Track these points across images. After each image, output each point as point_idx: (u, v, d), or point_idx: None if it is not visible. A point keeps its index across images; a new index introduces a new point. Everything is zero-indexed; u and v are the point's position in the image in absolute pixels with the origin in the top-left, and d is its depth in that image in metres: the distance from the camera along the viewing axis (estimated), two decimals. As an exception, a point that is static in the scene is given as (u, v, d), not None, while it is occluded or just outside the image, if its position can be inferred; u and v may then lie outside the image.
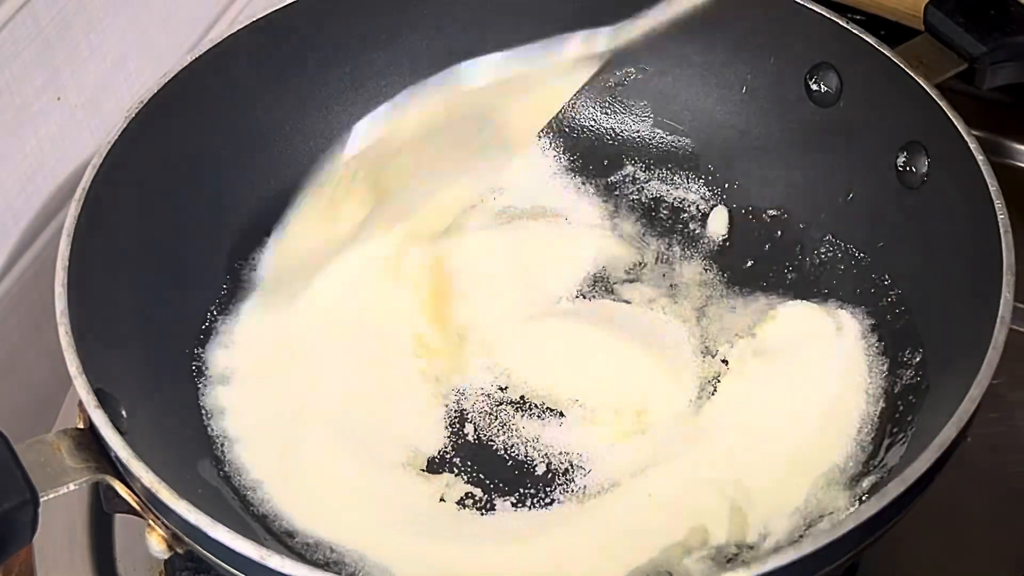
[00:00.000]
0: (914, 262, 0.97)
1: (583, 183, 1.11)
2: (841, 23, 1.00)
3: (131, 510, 0.80)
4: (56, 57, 0.97)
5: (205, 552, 0.76)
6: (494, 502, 0.91)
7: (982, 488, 0.96)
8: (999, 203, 0.87)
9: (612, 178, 1.11)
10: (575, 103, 1.12)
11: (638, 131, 1.11)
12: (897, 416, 0.91)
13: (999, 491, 0.97)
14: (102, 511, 0.89)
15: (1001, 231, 0.85)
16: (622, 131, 1.12)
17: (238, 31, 1.01)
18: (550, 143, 1.12)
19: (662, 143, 1.11)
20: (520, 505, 0.91)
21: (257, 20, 1.02)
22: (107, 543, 0.95)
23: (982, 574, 0.94)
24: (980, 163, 0.89)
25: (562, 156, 1.12)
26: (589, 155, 1.12)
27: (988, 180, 0.88)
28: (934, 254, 0.95)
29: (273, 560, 0.72)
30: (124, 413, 0.84)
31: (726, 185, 1.09)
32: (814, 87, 1.03)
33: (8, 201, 0.97)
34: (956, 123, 0.92)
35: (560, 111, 1.12)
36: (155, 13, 1.05)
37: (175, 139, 0.98)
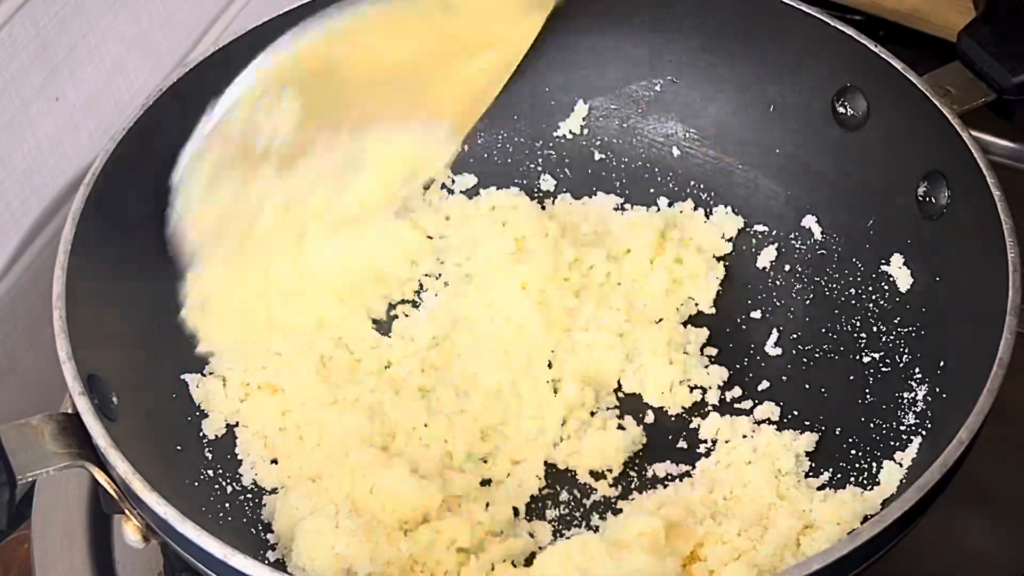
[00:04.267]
0: (928, 292, 0.96)
1: (605, 194, 1.10)
2: (870, 46, 0.98)
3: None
4: (55, 58, 0.97)
5: (175, 545, 0.77)
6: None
7: (982, 489, 0.94)
8: (1011, 240, 0.85)
9: (634, 190, 1.10)
10: (602, 114, 1.11)
11: (663, 144, 1.10)
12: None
13: (999, 492, 0.96)
14: (101, 512, 0.91)
15: (1010, 271, 0.84)
16: (648, 144, 1.11)
17: (266, 22, 1.00)
18: (574, 149, 1.11)
19: (687, 157, 1.10)
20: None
21: (286, 12, 1.01)
22: (106, 544, 0.96)
23: (982, 574, 0.94)
24: (997, 200, 0.87)
25: (583, 167, 1.11)
26: (613, 166, 1.11)
27: (1003, 217, 0.87)
28: (945, 284, 0.94)
29: (236, 560, 0.72)
30: (115, 400, 0.84)
31: (748, 201, 1.07)
32: (841, 110, 1.01)
33: (7, 201, 0.98)
34: (977, 156, 0.90)
35: (584, 121, 1.11)
36: (153, 14, 1.05)
37: (190, 128, 0.97)
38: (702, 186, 1.09)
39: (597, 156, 1.11)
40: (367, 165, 0.97)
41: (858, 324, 0.99)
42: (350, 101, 0.94)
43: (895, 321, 0.97)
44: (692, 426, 0.97)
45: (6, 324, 1.02)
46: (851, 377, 0.96)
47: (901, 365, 0.94)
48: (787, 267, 1.04)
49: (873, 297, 0.99)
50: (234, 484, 0.91)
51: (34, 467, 0.78)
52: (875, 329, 0.98)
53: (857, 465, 0.91)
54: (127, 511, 0.79)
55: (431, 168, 1.04)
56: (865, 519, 0.85)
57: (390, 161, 0.98)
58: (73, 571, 0.94)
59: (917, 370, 0.93)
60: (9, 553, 0.97)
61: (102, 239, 0.89)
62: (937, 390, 0.90)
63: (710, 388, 0.98)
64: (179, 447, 0.90)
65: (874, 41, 0.98)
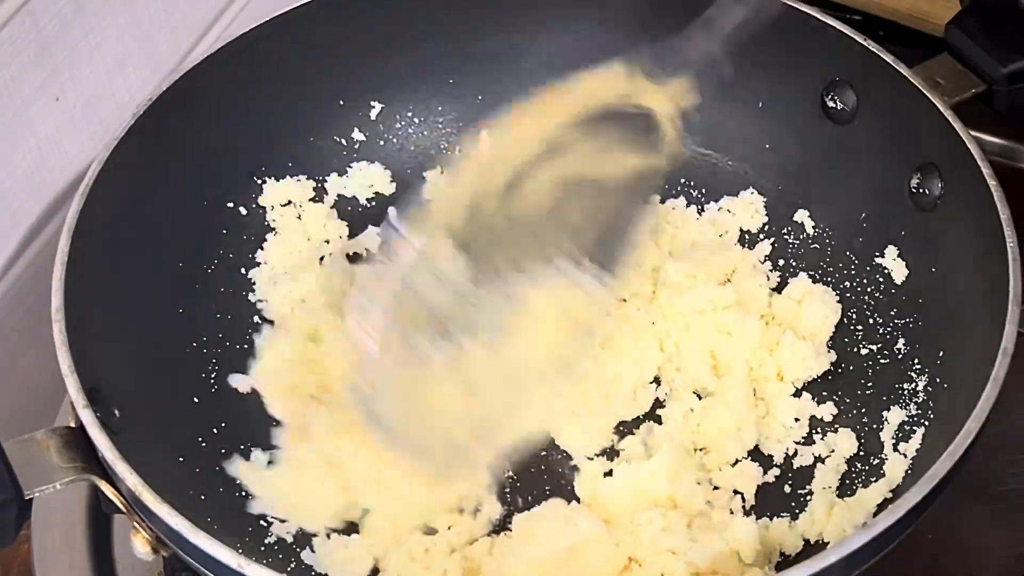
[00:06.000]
0: (924, 283, 0.96)
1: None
2: (859, 40, 0.98)
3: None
4: (55, 57, 0.97)
5: (186, 557, 0.76)
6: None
7: (982, 488, 0.95)
8: (1009, 231, 0.86)
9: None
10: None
11: (653, 142, 1.10)
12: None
13: (999, 491, 0.97)
14: (101, 512, 0.89)
15: (1010, 260, 0.84)
16: (636, 141, 1.11)
17: (254, 29, 1.00)
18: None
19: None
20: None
21: (272, 19, 1.01)
22: (106, 544, 0.95)
23: (982, 574, 0.94)
24: (992, 189, 0.88)
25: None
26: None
27: (1000, 207, 0.87)
28: (944, 277, 0.94)
29: (251, 569, 0.71)
30: (117, 413, 0.83)
31: (740, 197, 1.08)
32: (831, 104, 1.02)
33: (7, 201, 0.97)
34: (970, 147, 0.90)
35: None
36: (154, 14, 1.05)
37: (181, 137, 0.97)
38: (693, 183, 1.09)
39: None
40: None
41: (854, 316, 0.99)
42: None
43: (892, 313, 0.97)
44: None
45: (6, 324, 1.01)
46: (849, 369, 0.97)
47: (900, 357, 0.95)
48: (781, 262, 1.04)
49: (868, 290, 0.99)
50: (240, 494, 0.91)
51: (41, 482, 0.77)
52: (871, 321, 0.98)
53: (860, 456, 0.92)
54: (136, 524, 0.79)
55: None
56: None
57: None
58: (73, 571, 0.94)
59: (916, 361, 0.93)
60: (9, 553, 0.97)
61: (99, 249, 0.88)
62: (938, 380, 0.90)
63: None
64: (181, 458, 0.89)
65: (862, 35, 0.99)
